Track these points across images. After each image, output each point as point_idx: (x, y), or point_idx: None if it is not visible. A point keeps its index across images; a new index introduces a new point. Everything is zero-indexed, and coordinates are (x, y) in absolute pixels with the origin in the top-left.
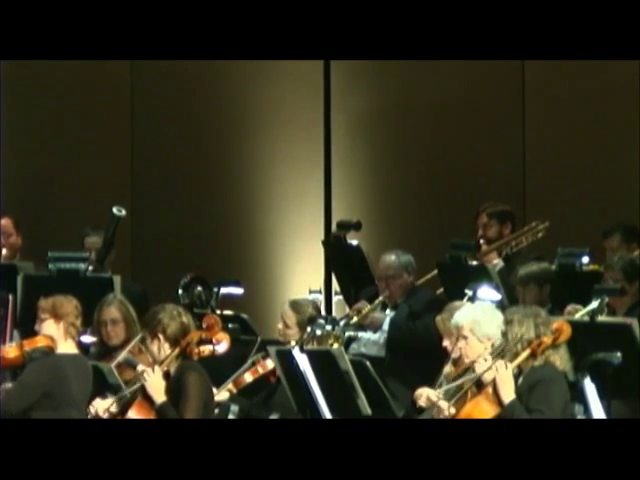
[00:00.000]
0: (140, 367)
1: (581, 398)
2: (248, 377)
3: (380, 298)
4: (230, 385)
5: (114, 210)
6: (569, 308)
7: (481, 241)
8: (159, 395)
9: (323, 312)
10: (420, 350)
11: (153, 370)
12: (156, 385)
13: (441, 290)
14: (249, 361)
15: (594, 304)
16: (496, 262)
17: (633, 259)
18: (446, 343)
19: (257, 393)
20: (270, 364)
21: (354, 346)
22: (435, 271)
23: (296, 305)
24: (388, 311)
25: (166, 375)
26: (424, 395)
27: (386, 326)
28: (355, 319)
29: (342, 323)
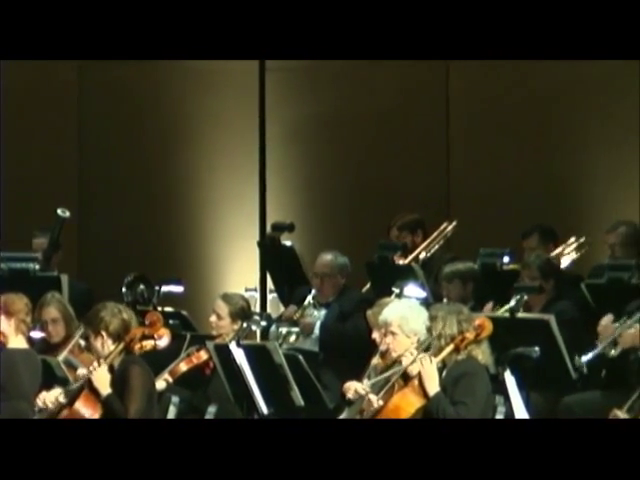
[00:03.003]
0: (80, 370)
1: (502, 390)
2: (183, 367)
3: (310, 297)
4: (166, 375)
5: (58, 211)
6: (489, 306)
7: (398, 253)
8: (104, 388)
9: (258, 309)
10: (351, 348)
11: (99, 364)
12: (102, 378)
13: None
14: (184, 354)
15: (514, 301)
16: None
17: (549, 258)
18: (375, 335)
19: (198, 385)
20: (204, 355)
21: (291, 338)
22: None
23: (227, 297)
24: (316, 313)
25: (110, 369)
26: (352, 388)
27: (317, 330)
28: (286, 330)
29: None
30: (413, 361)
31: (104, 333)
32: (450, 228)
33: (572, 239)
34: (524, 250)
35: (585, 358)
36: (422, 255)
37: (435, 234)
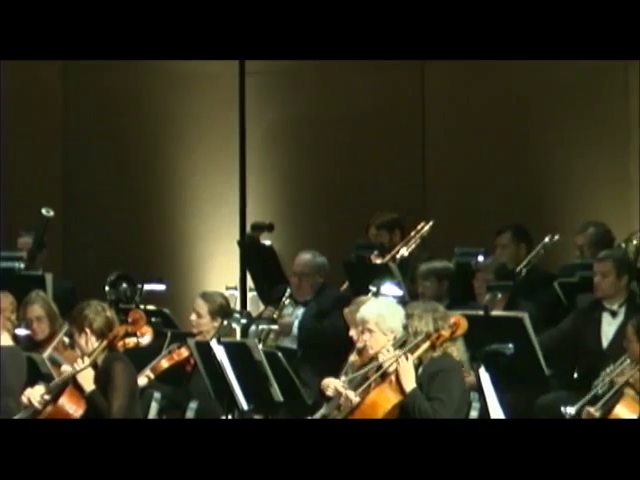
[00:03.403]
0: (65, 366)
1: (477, 386)
2: (165, 363)
3: (287, 294)
4: (148, 371)
5: (43, 211)
6: None
7: (375, 252)
8: (88, 384)
9: (238, 307)
10: (329, 346)
11: (83, 361)
12: (86, 375)
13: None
14: (165, 351)
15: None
16: None
17: (504, 263)
18: (352, 333)
19: (179, 381)
20: (185, 352)
21: (270, 336)
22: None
23: (206, 295)
24: (294, 312)
25: (94, 366)
26: (331, 385)
27: (296, 329)
28: (266, 327)
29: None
30: (389, 357)
31: (88, 330)
32: (427, 228)
33: (546, 239)
34: (496, 247)
35: (571, 410)
36: (399, 254)
37: (412, 234)
